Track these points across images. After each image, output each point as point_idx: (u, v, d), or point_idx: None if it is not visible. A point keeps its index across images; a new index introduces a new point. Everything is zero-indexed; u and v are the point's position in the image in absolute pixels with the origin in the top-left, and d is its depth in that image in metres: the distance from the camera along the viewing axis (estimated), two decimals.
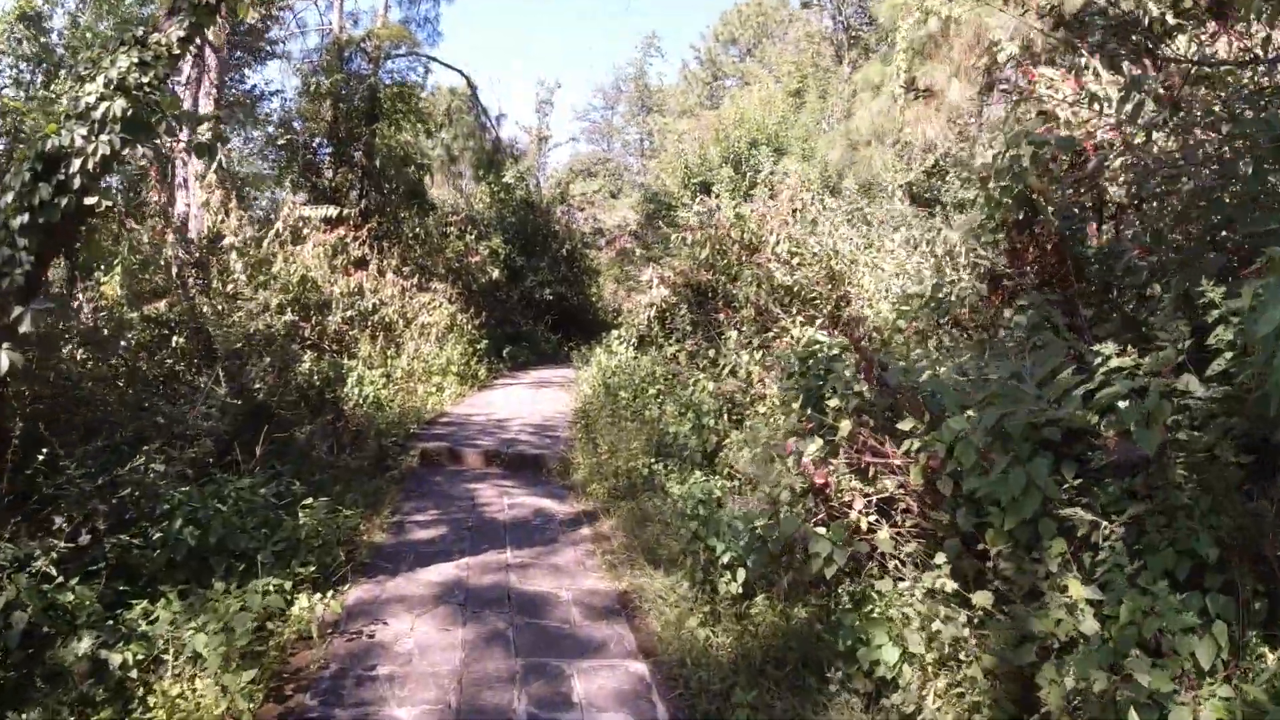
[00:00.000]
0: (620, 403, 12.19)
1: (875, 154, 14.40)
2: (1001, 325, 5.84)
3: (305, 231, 15.28)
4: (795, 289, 9.26)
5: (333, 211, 15.03)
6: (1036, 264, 5.57)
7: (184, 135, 13.50)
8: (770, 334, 9.23)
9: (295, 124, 20.16)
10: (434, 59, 20.87)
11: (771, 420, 8.09)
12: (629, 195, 42.26)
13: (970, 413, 4.05)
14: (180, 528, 5.54)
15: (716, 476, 8.18)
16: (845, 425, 4.91)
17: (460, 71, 21.18)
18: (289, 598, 5.35)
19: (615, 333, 15.17)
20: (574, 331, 26.42)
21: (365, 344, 14.27)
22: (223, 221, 14.15)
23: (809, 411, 5.52)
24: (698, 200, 24.41)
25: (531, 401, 15.01)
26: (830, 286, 9.35)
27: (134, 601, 4.87)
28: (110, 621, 4.61)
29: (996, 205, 5.61)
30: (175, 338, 11.07)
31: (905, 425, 4.49)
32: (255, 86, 19.48)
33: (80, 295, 10.69)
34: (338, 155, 18.99)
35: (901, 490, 4.65)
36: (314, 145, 20.00)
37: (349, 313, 14.79)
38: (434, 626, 5.58)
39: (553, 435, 11.93)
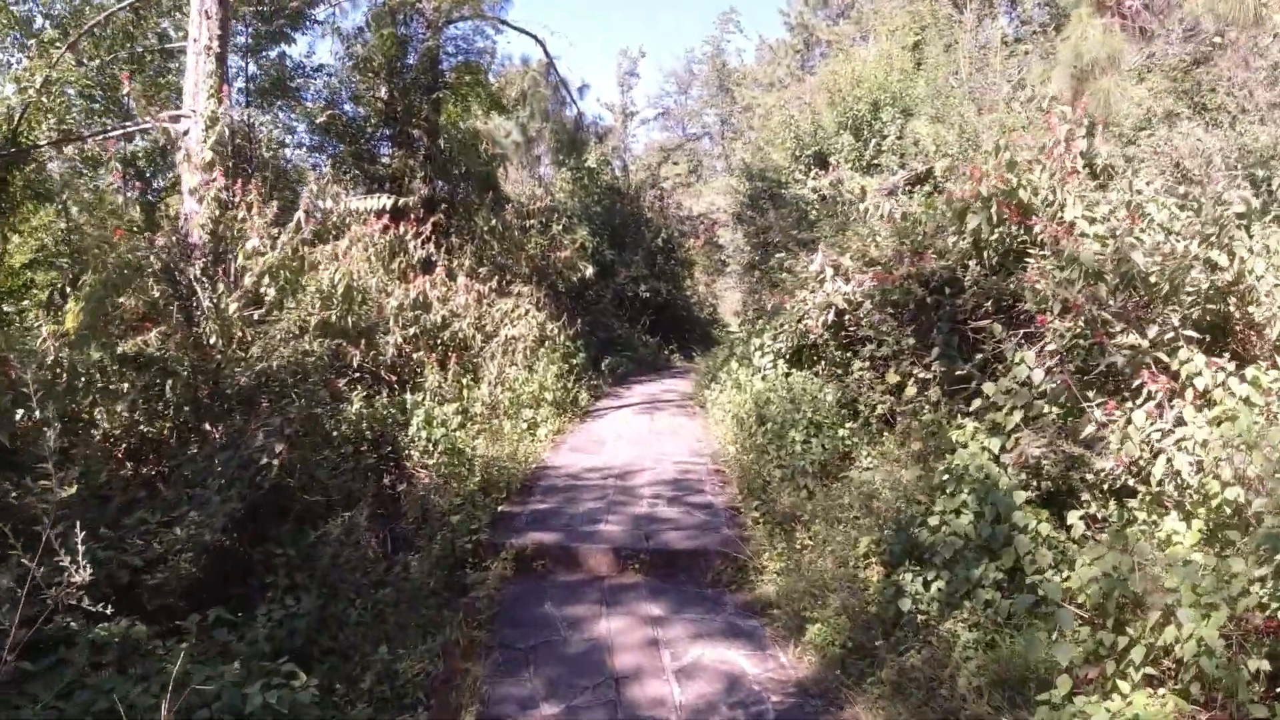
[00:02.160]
0: (791, 449, 8.21)
1: (1112, 85, 10.09)
2: None
3: (355, 229, 11.55)
4: (1161, 284, 4.99)
5: (386, 202, 11.23)
6: None
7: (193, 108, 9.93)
8: (1116, 359, 5.02)
9: (345, 105, 16.50)
10: (504, 22, 16.97)
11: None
12: (710, 181, 38.13)
13: None
14: None
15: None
16: None
17: (534, 36, 17.40)
18: None
19: (755, 342, 11.08)
20: (672, 333, 22.45)
21: (432, 370, 10.45)
22: (242, 220, 10.51)
23: None
24: (812, 174, 20.36)
25: (651, 436, 11.02)
26: (1211, 282, 5.08)
27: None
28: None
29: None
30: (164, 385, 7.44)
31: None
32: (298, 64, 15.86)
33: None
34: (395, 137, 15.28)
35: None
36: (367, 128, 16.33)
37: (411, 329, 11.00)
38: None
39: (702, 501, 7.94)
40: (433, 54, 16.06)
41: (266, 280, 10.05)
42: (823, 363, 9.59)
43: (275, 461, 6.74)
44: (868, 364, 8.44)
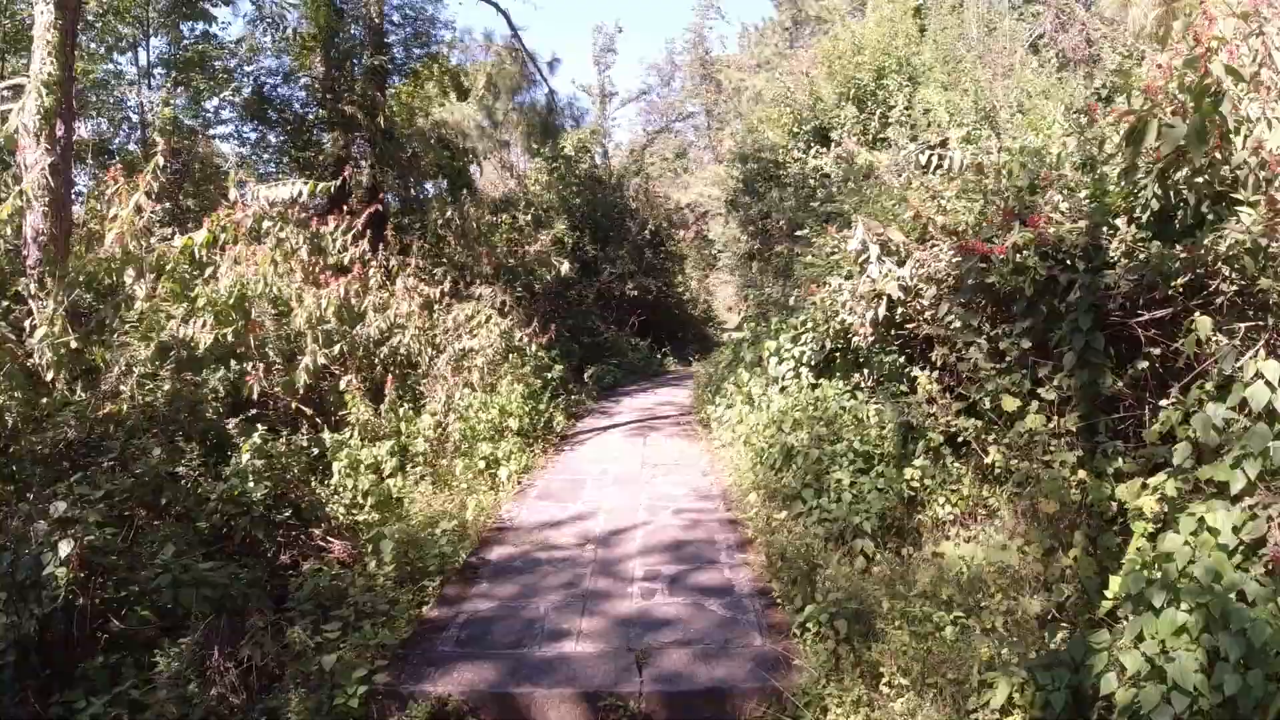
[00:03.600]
0: (836, 496, 5.82)
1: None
2: None
3: (266, 223, 9.09)
4: None
5: (302, 188, 8.72)
6: None
7: None
8: None
9: (278, 85, 14.00)
10: None
11: None
12: (697, 172, 35.56)
13: None
14: None
15: None
16: None
17: (495, 4, 14.79)
18: None
19: (770, 345, 8.61)
20: (664, 334, 19.97)
21: (356, 400, 7.97)
22: (109, 219, 8.02)
23: None
24: (813, 152, 17.91)
25: (645, 471, 8.53)
26: None
27: None
28: None
29: None
30: None
31: None
32: (219, 39, 13.33)
33: None
34: (333, 119, 12.76)
35: None
36: (303, 110, 13.82)
37: (337, 346, 8.52)
38: None
39: (718, 582, 5.47)
40: (375, 25, 13.54)
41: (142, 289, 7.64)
42: (864, 371, 7.12)
43: (61, 570, 4.30)
44: (937, 373, 5.98)
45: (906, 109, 17.13)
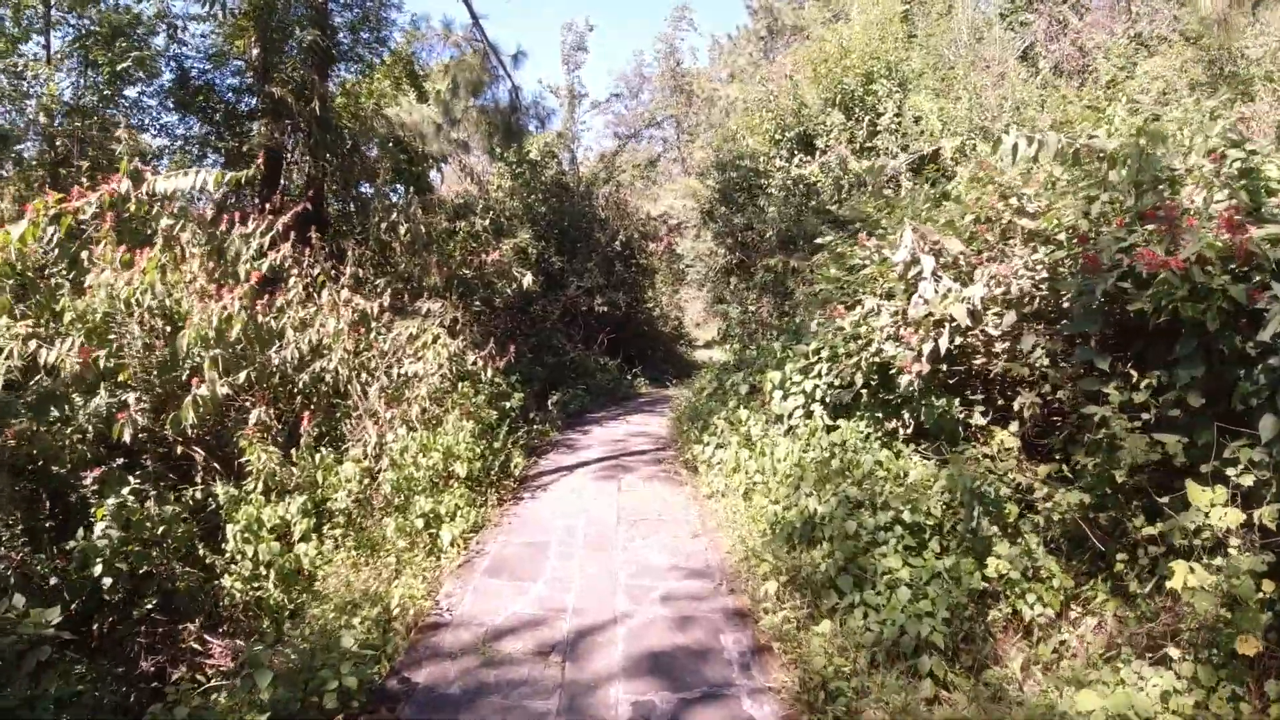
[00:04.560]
0: (887, 592, 4.23)
1: None
2: None
3: (165, 222, 7.33)
4: None
5: (208, 178, 6.97)
6: None
7: None
8: None
9: (205, 70, 12.21)
10: None
11: None
12: (666, 185, 34.04)
13: None
14: None
15: None
16: None
17: None
18: None
19: (772, 376, 7.02)
20: (634, 352, 18.33)
21: (255, 445, 6.25)
22: None
23: None
24: (796, 160, 16.49)
25: (621, 530, 6.86)
26: None
27: None
28: None
29: None
30: None
31: None
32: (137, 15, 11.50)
33: None
34: (264, 108, 10.99)
35: None
36: (230, 95, 12.04)
37: (244, 373, 6.78)
38: None
39: None
40: (320, 7, 11.81)
41: None
42: (906, 415, 5.54)
43: None
44: (1008, 432, 4.43)
45: (896, 116, 15.81)
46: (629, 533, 6.75)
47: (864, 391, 5.82)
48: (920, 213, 6.38)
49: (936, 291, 4.78)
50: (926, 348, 4.68)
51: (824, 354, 6.51)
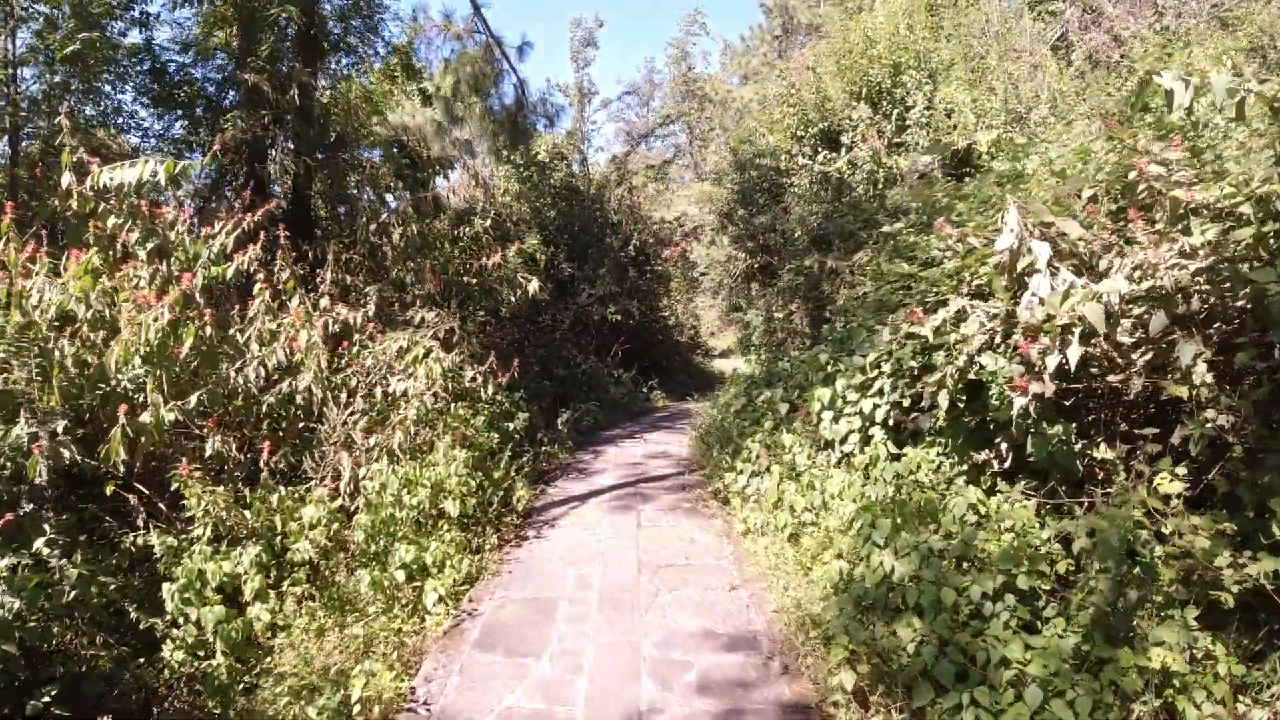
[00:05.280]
0: (1004, 688, 2.97)
1: None
2: None
3: (111, 221, 6.26)
4: None
5: (158, 169, 5.89)
6: None
7: None
8: None
9: (181, 60, 11.19)
10: None
11: None
12: (677, 190, 32.92)
13: None
14: None
15: None
16: None
17: None
18: None
19: (820, 394, 5.85)
20: (650, 363, 17.16)
21: (195, 487, 5.12)
22: None
23: None
24: (820, 157, 15.38)
25: (643, 579, 5.70)
26: None
27: None
28: None
29: None
30: None
31: None
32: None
33: None
34: (244, 98, 9.93)
35: None
36: (210, 88, 11.02)
37: (195, 395, 5.68)
38: None
39: None
40: None
41: None
42: (1001, 444, 4.36)
43: None
44: (1171, 479, 3.26)
45: (927, 108, 14.65)
46: (652, 583, 5.58)
47: (941, 413, 4.65)
48: (986, 197, 5.21)
49: (1054, 288, 3.64)
50: (1051, 361, 3.52)
51: (885, 368, 5.35)
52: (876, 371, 5.48)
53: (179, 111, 11.54)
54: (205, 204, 11.37)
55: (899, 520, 4.39)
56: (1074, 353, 3.43)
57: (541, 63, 66.57)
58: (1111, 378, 3.68)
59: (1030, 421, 3.78)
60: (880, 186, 12.81)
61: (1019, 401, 3.63)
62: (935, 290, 4.86)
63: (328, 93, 11.83)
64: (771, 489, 6.20)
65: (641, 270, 17.69)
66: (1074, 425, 3.98)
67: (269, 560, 5.23)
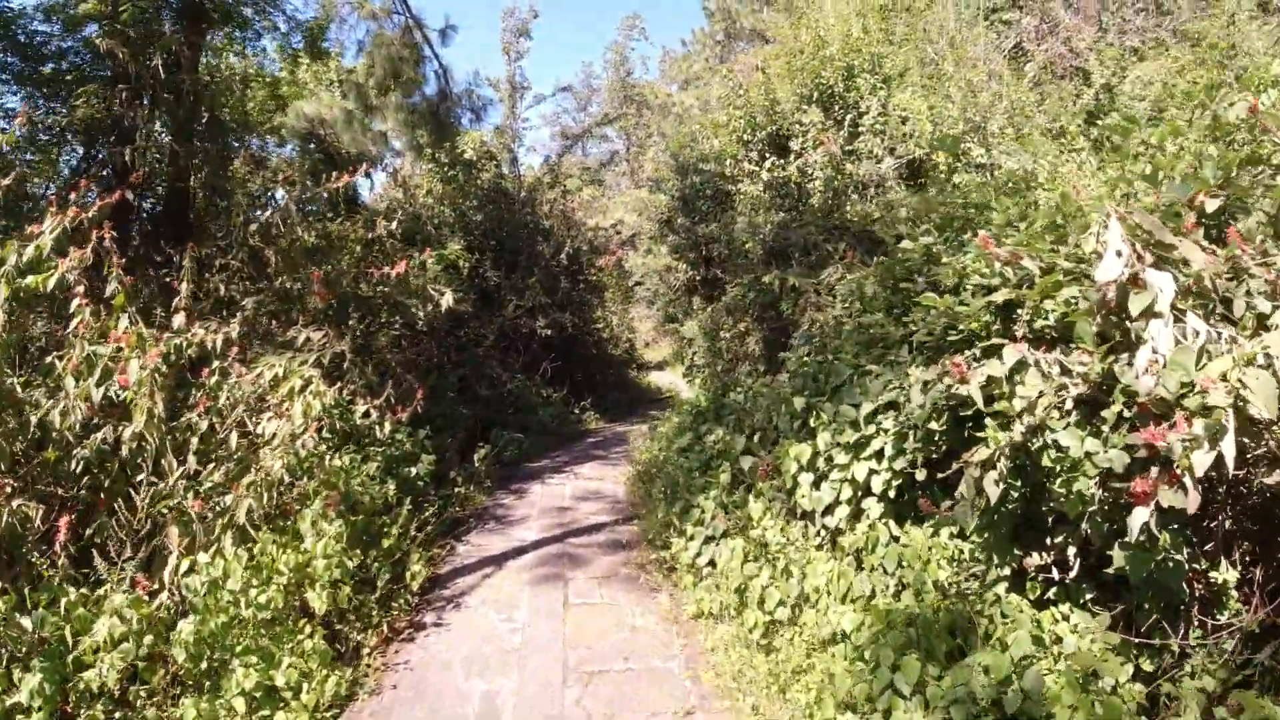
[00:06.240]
0: None
1: None
2: None
3: None
4: None
5: None
6: None
7: None
8: None
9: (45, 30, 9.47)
10: None
11: None
12: (613, 196, 31.68)
13: None
14: None
15: None
16: None
17: None
18: None
19: (798, 452, 4.58)
20: (582, 380, 15.78)
21: None
22: None
23: None
24: (768, 164, 14.29)
25: (570, 694, 4.33)
26: None
27: None
28: None
29: None
30: None
31: None
32: None
33: None
34: (114, 74, 8.28)
35: None
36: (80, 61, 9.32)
37: None
38: None
39: None
40: None
41: None
42: (1068, 547, 3.13)
43: None
44: None
45: (882, 115, 13.66)
46: (582, 702, 4.22)
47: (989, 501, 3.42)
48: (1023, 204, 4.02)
49: (1179, 339, 2.43)
50: (1200, 461, 2.30)
51: (888, 424, 4.11)
52: (874, 428, 4.23)
53: (44, 90, 9.75)
54: (63, 198, 9.59)
55: (927, 646, 3.14)
56: (1229, 446, 2.24)
57: (471, 54, 64.26)
58: (1271, 479, 2.51)
59: (1145, 539, 2.57)
60: (839, 195, 11.74)
61: (1138, 516, 2.42)
62: (958, 330, 3.62)
63: (217, 71, 10.18)
64: (734, 568, 4.90)
65: (575, 280, 16.30)
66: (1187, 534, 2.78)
67: (52, 691, 3.72)
